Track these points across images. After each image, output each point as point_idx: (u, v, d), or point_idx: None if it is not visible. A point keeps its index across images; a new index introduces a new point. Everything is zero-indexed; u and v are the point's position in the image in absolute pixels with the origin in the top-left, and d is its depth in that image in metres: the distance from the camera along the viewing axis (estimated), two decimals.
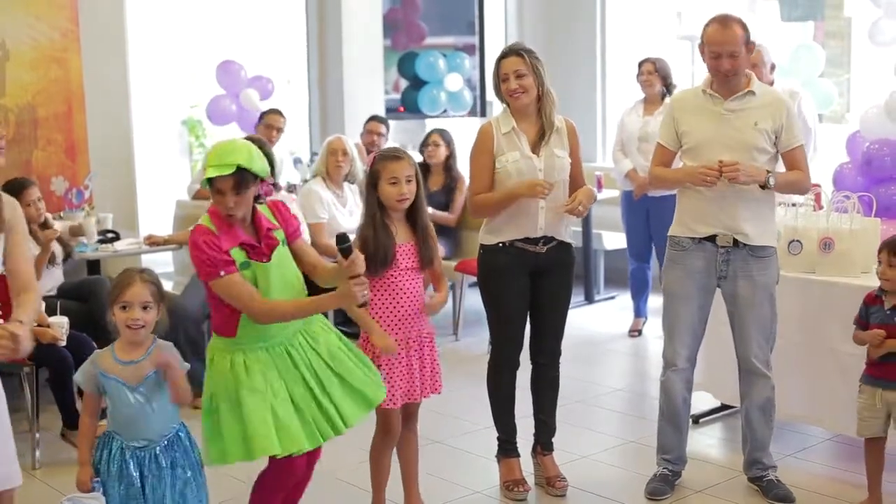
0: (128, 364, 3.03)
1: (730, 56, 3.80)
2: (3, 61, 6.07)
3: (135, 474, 3.02)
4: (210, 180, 3.06)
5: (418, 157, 6.64)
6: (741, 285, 3.93)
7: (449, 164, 6.82)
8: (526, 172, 3.94)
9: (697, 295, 3.99)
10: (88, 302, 5.18)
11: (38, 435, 4.61)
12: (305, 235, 4.75)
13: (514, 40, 8.62)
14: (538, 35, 8.44)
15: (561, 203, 3.96)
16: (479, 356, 6.01)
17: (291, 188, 6.59)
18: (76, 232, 5.76)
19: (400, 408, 3.62)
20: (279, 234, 3.21)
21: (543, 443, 4.21)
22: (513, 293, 4.03)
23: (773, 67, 5.75)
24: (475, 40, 8.83)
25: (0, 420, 2.95)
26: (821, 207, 4.65)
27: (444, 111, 8.46)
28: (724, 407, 4.92)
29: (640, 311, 6.76)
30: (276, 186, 5.28)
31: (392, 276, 3.56)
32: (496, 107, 8.74)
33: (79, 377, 3.07)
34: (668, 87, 6.32)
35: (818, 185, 4.86)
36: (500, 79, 3.96)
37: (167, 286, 5.75)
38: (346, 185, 6.14)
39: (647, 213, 6.36)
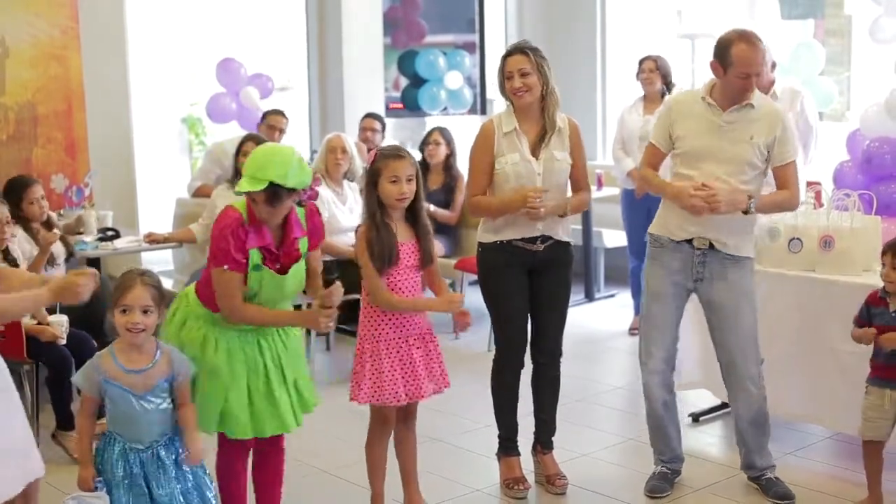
0: (135, 373, 3.02)
1: (757, 75, 3.79)
2: (2, 59, 6.07)
3: (138, 473, 3.02)
4: None
5: (418, 156, 6.63)
6: (718, 288, 3.91)
7: (449, 163, 6.82)
8: (524, 176, 3.94)
9: (674, 295, 3.99)
10: (88, 301, 5.16)
11: (38, 433, 4.60)
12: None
13: (514, 38, 8.63)
14: (538, 32, 8.43)
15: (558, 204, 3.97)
16: (479, 354, 6.01)
17: None
18: (71, 230, 5.76)
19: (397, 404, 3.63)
20: (303, 244, 3.24)
21: (543, 441, 4.21)
22: (512, 290, 4.03)
23: (773, 65, 5.75)
24: (475, 38, 8.83)
25: (17, 414, 2.97)
26: (821, 205, 4.65)
27: (445, 109, 8.47)
28: (723, 405, 4.91)
29: (640, 309, 6.73)
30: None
31: (392, 274, 3.55)
32: (496, 105, 8.82)
33: (79, 379, 3.05)
34: (668, 85, 6.32)
35: (818, 183, 4.86)
36: (504, 76, 3.95)
37: (167, 284, 5.75)
38: (345, 182, 6.13)
39: (647, 212, 6.31)
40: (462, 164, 6.72)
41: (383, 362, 3.53)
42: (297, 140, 7.97)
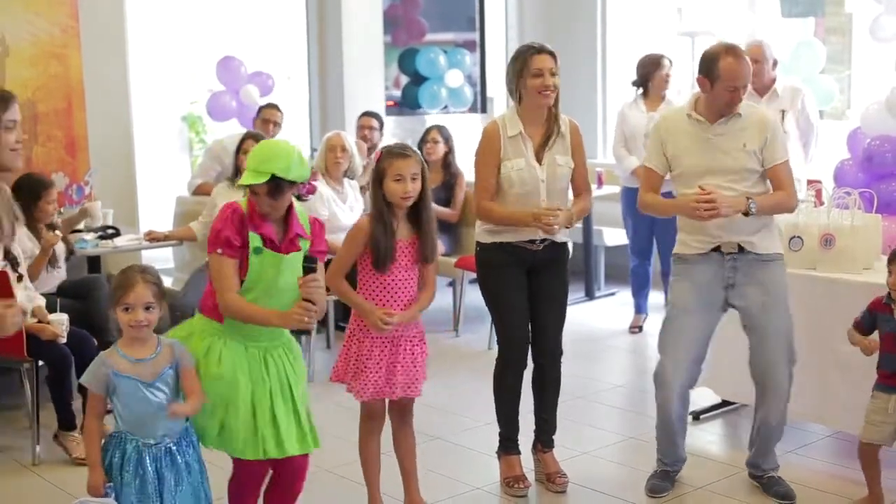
0: (141, 361, 3.03)
1: (744, 87, 3.80)
2: (2, 57, 6.06)
3: (151, 470, 3.01)
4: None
5: None
6: (751, 292, 3.88)
7: (448, 161, 6.82)
8: (529, 181, 3.94)
9: (702, 309, 3.92)
10: (87, 300, 5.17)
11: (38, 432, 4.59)
12: None
13: (514, 36, 8.65)
14: (538, 31, 8.42)
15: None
16: (480, 352, 6.01)
17: None
18: (75, 221, 5.76)
19: (383, 399, 3.63)
20: (304, 244, 3.23)
21: (544, 440, 4.21)
22: (512, 288, 4.03)
23: (775, 63, 5.75)
24: (476, 37, 8.83)
25: None
26: (822, 204, 4.64)
27: (445, 107, 8.47)
28: (724, 403, 4.91)
29: (640, 308, 6.75)
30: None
31: (390, 271, 3.56)
32: (496, 103, 8.83)
33: (87, 378, 3.04)
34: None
35: (819, 182, 4.86)
36: (528, 74, 3.90)
37: (167, 282, 5.76)
38: (345, 181, 6.13)
39: None
40: (461, 162, 6.74)
41: (372, 354, 3.56)
42: (297, 138, 7.98)
